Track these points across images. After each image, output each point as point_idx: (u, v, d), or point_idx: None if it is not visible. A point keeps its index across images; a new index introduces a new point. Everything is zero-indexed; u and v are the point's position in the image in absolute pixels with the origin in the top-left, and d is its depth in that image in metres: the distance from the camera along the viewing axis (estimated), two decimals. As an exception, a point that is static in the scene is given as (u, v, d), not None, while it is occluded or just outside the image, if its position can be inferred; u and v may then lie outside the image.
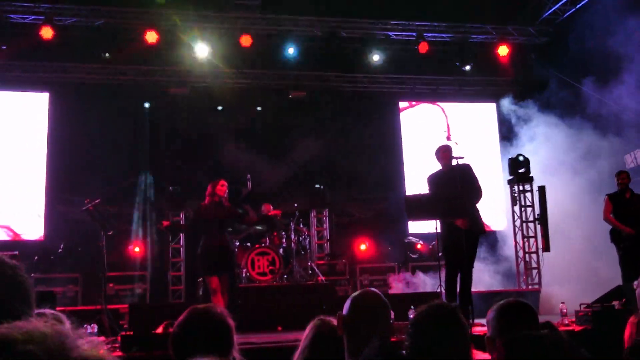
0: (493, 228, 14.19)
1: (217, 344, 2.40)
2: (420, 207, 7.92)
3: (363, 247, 12.93)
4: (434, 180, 8.01)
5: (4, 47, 11.58)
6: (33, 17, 11.65)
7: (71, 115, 12.84)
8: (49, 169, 12.71)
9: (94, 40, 12.06)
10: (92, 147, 12.61)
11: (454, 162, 7.78)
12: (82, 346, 0.86)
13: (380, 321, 2.62)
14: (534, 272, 11.66)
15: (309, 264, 11.36)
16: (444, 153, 7.99)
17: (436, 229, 8.00)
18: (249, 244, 10.78)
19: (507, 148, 13.39)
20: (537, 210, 11.56)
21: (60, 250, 11.62)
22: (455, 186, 7.61)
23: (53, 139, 12.87)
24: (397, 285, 11.83)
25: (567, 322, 7.39)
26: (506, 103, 13.68)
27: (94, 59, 12.50)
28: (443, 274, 7.91)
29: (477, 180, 8.00)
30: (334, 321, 2.81)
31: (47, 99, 13.05)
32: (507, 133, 13.79)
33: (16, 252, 8.99)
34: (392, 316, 2.67)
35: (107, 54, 12.07)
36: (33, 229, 12.52)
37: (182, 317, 2.55)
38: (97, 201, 8.49)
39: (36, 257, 11.47)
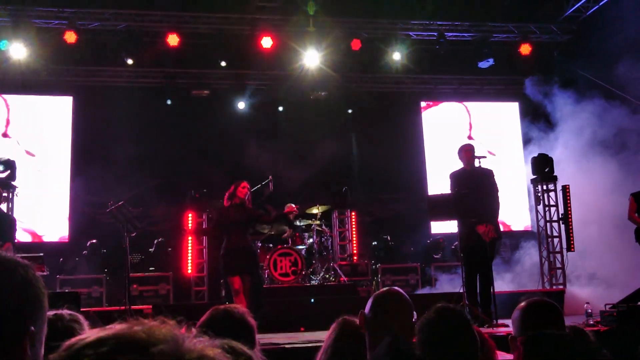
0: (517, 228, 14.11)
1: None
2: (442, 208, 7.90)
3: (385, 247, 12.89)
4: (456, 178, 7.98)
5: (30, 52, 11.72)
6: (57, 21, 11.79)
7: (94, 118, 12.99)
8: (73, 171, 12.87)
9: (117, 43, 12.17)
10: (115, 149, 12.72)
11: (477, 162, 7.74)
12: (197, 346, 0.87)
13: (402, 320, 2.61)
14: (559, 272, 11.55)
15: (331, 264, 11.37)
16: (466, 152, 7.95)
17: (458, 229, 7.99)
18: (271, 245, 10.81)
19: (533, 133, 13.16)
20: (561, 210, 11.45)
21: (84, 251, 11.76)
22: (477, 187, 7.58)
23: (77, 142, 13.03)
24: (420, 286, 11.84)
25: (592, 322, 7.32)
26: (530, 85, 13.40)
27: (116, 63, 12.64)
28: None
29: (497, 188, 7.94)
30: (357, 321, 2.81)
31: (71, 103, 13.22)
32: (533, 113, 13.57)
33: (41, 254, 9.09)
34: (415, 316, 2.66)
35: (129, 60, 12.17)
36: (58, 231, 12.68)
37: (204, 316, 2.57)
38: (120, 203, 8.58)
39: (61, 259, 11.62)
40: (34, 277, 1.20)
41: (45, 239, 12.59)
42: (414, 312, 2.67)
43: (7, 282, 1.14)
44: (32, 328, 1.13)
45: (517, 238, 13.14)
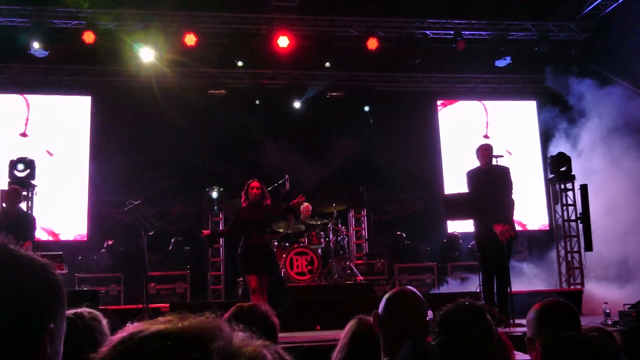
0: (534, 227, 14.02)
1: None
2: (458, 207, 7.88)
3: (402, 246, 12.86)
4: (472, 177, 7.95)
5: (48, 52, 11.85)
6: (75, 22, 11.89)
7: (113, 117, 13.10)
8: (91, 170, 12.98)
9: (135, 43, 12.24)
10: (133, 148, 12.82)
11: (494, 161, 7.71)
12: (250, 343, 0.88)
13: (416, 320, 2.61)
14: (576, 271, 11.47)
15: (348, 263, 11.37)
16: (484, 152, 7.92)
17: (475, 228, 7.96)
18: (287, 244, 10.83)
19: (554, 121, 13.05)
20: (579, 209, 11.36)
21: (103, 250, 11.86)
22: (493, 186, 7.55)
23: (95, 141, 13.15)
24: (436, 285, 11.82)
25: (610, 322, 7.26)
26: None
27: (133, 62, 12.72)
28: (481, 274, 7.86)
29: (512, 186, 7.89)
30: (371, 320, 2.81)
31: (89, 102, 13.34)
32: (553, 104, 13.49)
33: (61, 253, 9.20)
34: (431, 315, 2.65)
35: (142, 59, 12.26)
36: (76, 229, 12.80)
37: (227, 313, 2.59)
38: (138, 202, 8.64)
39: (80, 257, 11.73)
40: (53, 274, 1.21)
41: (64, 237, 12.72)
42: (429, 311, 2.66)
43: (27, 279, 1.16)
44: (52, 325, 1.14)
45: (534, 237, 13.07)
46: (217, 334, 0.86)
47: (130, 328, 0.89)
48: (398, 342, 2.34)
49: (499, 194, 7.59)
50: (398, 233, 13.12)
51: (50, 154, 12.87)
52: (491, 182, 7.61)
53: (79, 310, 2.31)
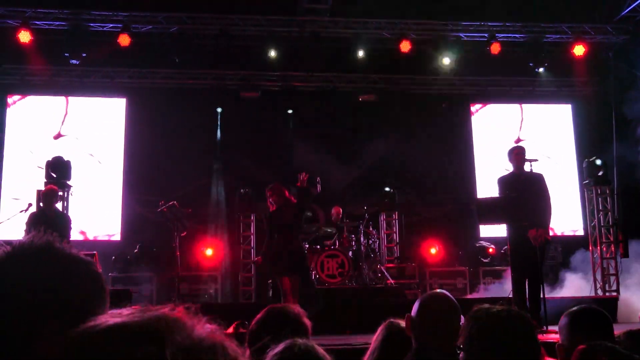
0: (569, 233, 13.81)
1: None
2: (491, 211, 7.79)
3: (433, 250, 12.77)
4: (504, 183, 7.85)
5: (84, 55, 12.04)
6: (111, 25, 12.07)
7: (147, 118, 13.26)
8: (125, 171, 13.17)
9: (169, 46, 12.39)
10: (167, 149, 12.95)
11: (528, 165, 7.61)
12: (209, 333, 0.88)
13: (449, 324, 2.58)
14: (612, 278, 11.25)
15: (378, 267, 11.33)
16: (517, 155, 7.81)
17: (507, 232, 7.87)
18: (318, 247, 10.84)
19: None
20: (616, 215, 11.16)
21: (136, 250, 12.00)
22: (527, 191, 7.44)
23: (130, 142, 13.33)
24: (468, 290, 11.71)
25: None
26: None
27: (168, 65, 12.90)
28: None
29: (548, 193, 7.76)
30: (403, 323, 2.79)
31: (125, 104, 13.54)
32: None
33: (94, 252, 9.34)
34: (463, 320, 2.62)
35: (176, 59, 12.40)
36: (110, 229, 12.97)
37: (259, 315, 2.59)
38: (171, 203, 8.74)
39: (113, 257, 11.89)
40: (97, 272, 1.23)
41: (98, 237, 12.90)
42: (462, 316, 2.62)
43: (74, 276, 1.18)
44: None
45: (570, 243, 12.86)
46: (175, 327, 0.85)
47: (93, 320, 0.89)
48: (430, 345, 2.31)
49: (532, 199, 7.48)
50: (429, 236, 13.02)
51: (87, 154, 13.06)
52: (524, 187, 7.50)
53: (119, 311, 2.32)
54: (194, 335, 0.86)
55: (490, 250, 12.69)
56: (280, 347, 1.86)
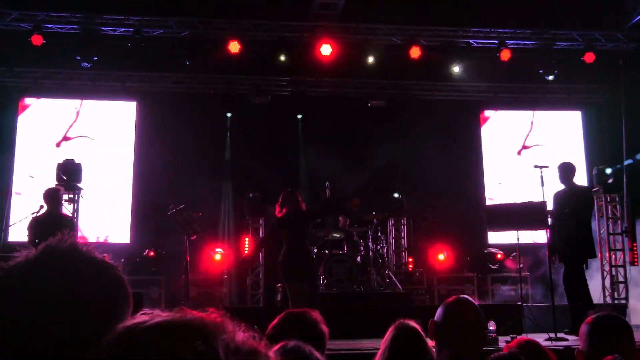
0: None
1: None
2: (500, 218, 7.83)
3: (441, 256, 12.77)
4: (558, 197, 8.03)
5: (95, 58, 12.11)
6: (123, 29, 12.14)
7: (157, 122, 13.33)
8: (135, 174, 13.22)
9: (180, 50, 12.45)
10: (176, 153, 12.99)
11: (539, 172, 7.65)
12: (244, 339, 0.90)
13: (479, 329, 2.58)
14: (621, 286, 11.22)
15: (386, 272, 11.32)
16: (567, 171, 8.04)
17: (517, 239, 7.88)
18: (327, 252, 10.84)
19: None
20: (625, 223, 11.14)
21: (145, 253, 12.03)
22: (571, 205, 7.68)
23: (140, 145, 13.39)
24: (475, 296, 11.66)
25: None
26: None
27: (179, 69, 12.96)
28: (523, 285, 7.79)
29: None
30: (413, 323, 2.81)
31: (135, 107, 13.60)
32: None
33: (105, 255, 9.37)
34: (493, 326, 2.62)
35: (187, 62, 12.45)
36: (120, 232, 13.02)
37: (276, 320, 2.60)
38: (181, 207, 8.76)
39: (122, 260, 11.92)
40: (122, 277, 1.24)
41: (108, 240, 12.94)
42: (491, 322, 2.63)
43: (101, 281, 1.19)
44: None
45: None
46: (221, 328, 0.87)
47: (135, 318, 0.91)
48: (455, 351, 2.32)
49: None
50: (438, 242, 13.01)
51: (96, 157, 13.12)
52: (571, 202, 7.76)
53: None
54: (237, 338, 0.88)
55: (499, 256, 12.67)
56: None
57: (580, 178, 13.68)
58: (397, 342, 2.84)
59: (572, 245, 7.70)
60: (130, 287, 1.25)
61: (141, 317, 0.90)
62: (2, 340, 1.08)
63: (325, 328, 2.55)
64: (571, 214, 7.69)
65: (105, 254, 1.30)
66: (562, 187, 8.12)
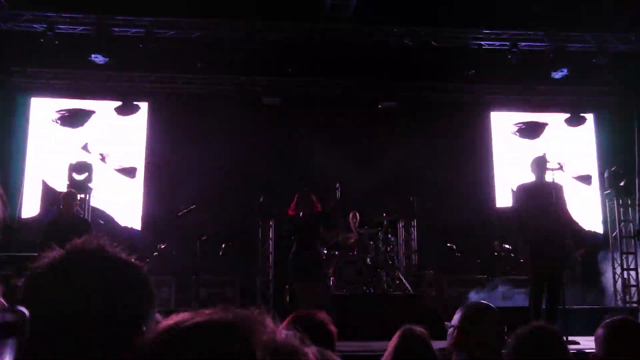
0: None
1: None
2: (511, 221, 7.77)
3: (452, 258, 12.72)
4: (526, 190, 7.77)
5: (108, 59, 12.17)
6: (135, 29, 12.18)
7: (168, 123, 13.38)
8: (146, 174, 13.26)
9: (191, 51, 12.49)
10: (187, 153, 13.02)
11: (550, 174, 7.56)
12: (284, 339, 0.90)
13: (493, 334, 2.57)
14: (632, 289, 11.15)
15: (397, 274, 11.30)
16: (538, 164, 7.75)
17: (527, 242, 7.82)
18: (336, 253, 10.83)
19: None
20: (637, 225, 11.07)
21: (155, 253, 12.06)
22: (549, 200, 7.38)
23: (151, 146, 13.44)
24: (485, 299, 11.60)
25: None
26: None
27: (190, 70, 12.99)
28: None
29: (566, 204, 7.69)
30: (419, 329, 2.80)
31: (146, 108, 13.65)
32: None
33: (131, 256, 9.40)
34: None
35: (198, 63, 12.50)
36: (130, 232, 13.06)
37: (285, 321, 2.60)
38: (192, 207, 8.78)
39: (147, 259, 11.96)
40: (148, 277, 1.24)
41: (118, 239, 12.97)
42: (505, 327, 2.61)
43: (127, 280, 1.20)
44: (144, 328, 1.17)
45: (589, 253, 12.74)
46: (261, 328, 0.87)
47: (175, 317, 0.91)
48: (473, 356, 2.31)
49: (552, 209, 7.40)
50: (448, 245, 12.96)
51: (107, 158, 13.17)
52: (547, 195, 7.43)
53: None
54: (277, 337, 0.88)
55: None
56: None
57: (592, 180, 13.64)
58: (401, 349, 2.84)
59: (557, 244, 7.45)
60: (154, 287, 1.25)
61: (184, 316, 0.90)
62: (33, 341, 1.09)
63: (333, 328, 2.55)
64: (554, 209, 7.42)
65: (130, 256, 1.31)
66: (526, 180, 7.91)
